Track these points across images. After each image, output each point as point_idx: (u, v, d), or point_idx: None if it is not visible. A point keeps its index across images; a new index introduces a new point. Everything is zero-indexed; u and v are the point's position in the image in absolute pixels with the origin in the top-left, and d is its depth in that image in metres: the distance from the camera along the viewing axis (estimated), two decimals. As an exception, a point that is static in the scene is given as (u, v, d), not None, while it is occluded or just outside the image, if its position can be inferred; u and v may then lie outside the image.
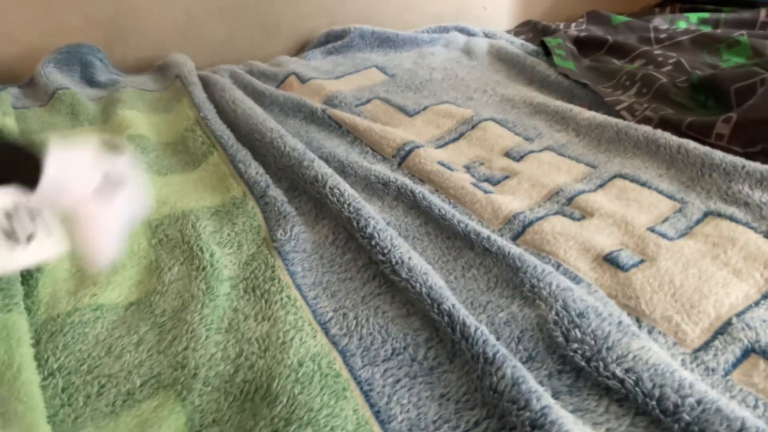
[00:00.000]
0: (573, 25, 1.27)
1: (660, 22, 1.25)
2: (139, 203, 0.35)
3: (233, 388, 0.44)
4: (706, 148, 0.68)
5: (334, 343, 0.47)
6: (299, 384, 0.43)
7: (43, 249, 0.32)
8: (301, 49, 1.23)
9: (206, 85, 0.97)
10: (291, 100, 0.91)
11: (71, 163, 0.34)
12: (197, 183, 0.72)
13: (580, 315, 0.46)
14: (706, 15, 1.27)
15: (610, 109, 0.86)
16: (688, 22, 1.26)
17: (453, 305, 0.47)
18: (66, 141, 0.34)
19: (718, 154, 0.66)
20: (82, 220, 0.34)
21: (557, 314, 0.47)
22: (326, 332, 0.49)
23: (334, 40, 1.20)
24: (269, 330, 0.48)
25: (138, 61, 1.10)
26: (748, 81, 0.79)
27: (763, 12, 1.22)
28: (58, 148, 0.33)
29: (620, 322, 0.46)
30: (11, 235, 0.29)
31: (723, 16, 1.25)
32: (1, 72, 0.99)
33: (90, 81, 1.01)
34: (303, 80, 1.01)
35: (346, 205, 0.61)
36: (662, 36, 1.15)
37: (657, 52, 1.05)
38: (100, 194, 0.33)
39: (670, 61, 1.01)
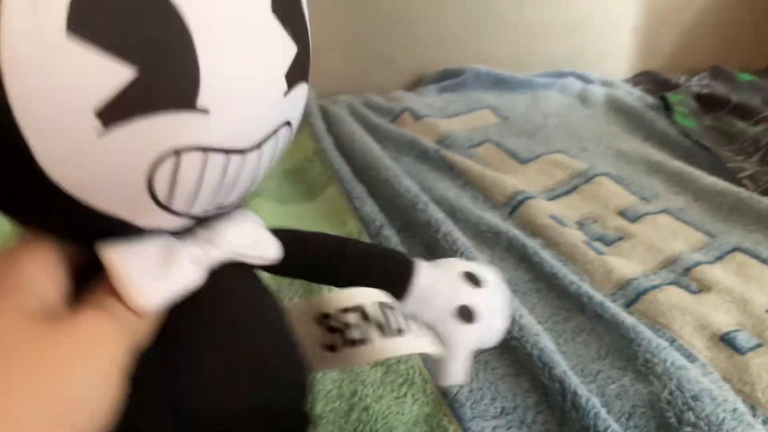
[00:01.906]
0: (695, 79, 1.24)
1: (788, 82, 1.21)
2: (493, 335, 0.36)
3: (348, 425, 0.46)
4: (837, 230, 0.66)
5: (445, 394, 0.49)
6: (409, 433, 0.44)
7: (419, 342, 0.33)
8: (415, 84, 1.26)
9: (325, 115, 1.01)
10: (405, 137, 0.94)
11: (439, 279, 0.35)
12: (315, 214, 0.75)
13: (695, 397, 0.46)
14: (839, 77, 1.22)
15: (730, 175, 0.84)
16: (819, 84, 1.21)
17: (564, 372, 0.48)
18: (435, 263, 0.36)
19: None
20: (441, 337, 0.35)
21: (671, 394, 0.47)
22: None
23: (449, 78, 1.22)
24: (383, 377, 0.50)
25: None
26: None
27: None
28: (425, 262, 0.36)
29: (735, 409, 0.45)
30: (384, 327, 0.31)
31: None
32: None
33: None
34: (417, 117, 1.04)
35: (458, 255, 0.62)
36: (790, 98, 1.11)
37: (784, 115, 1.01)
38: (458, 318, 0.35)
39: (798, 126, 0.97)
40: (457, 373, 0.35)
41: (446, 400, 0.48)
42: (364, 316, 0.32)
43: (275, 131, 0.24)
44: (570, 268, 0.65)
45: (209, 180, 0.22)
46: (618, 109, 1.08)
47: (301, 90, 0.25)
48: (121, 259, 0.23)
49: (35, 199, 0.21)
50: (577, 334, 0.56)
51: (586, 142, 0.95)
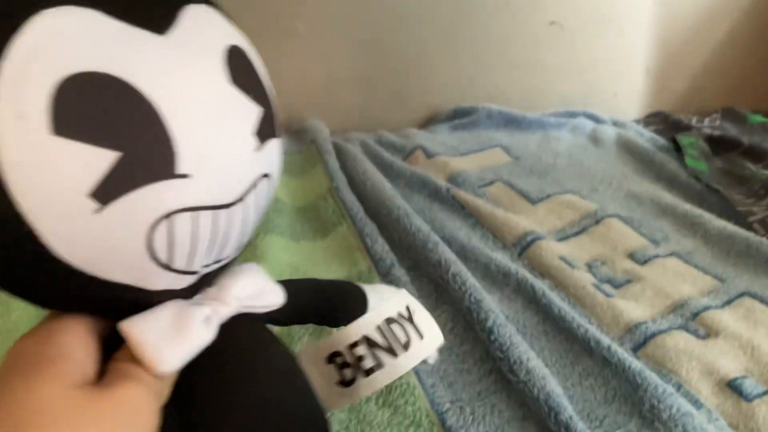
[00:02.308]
0: (706, 120, 1.25)
1: (800, 124, 1.21)
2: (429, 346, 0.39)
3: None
4: None
5: (449, 437, 0.49)
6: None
7: (422, 348, 0.36)
8: (428, 122, 1.27)
9: (339, 152, 1.02)
10: (416, 175, 0.95)
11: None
12: (326, 252, 0.76)
13: (701, 446, 0.46)
14: None
15: (741, 219, 0.84)
16: (831, 126, 1.21)
17: (570, 417, 0.48)
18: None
19: None
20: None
21: (676, 441, 0.47)
22: (443, 423, 0.51)
23: (461, 117, 1.24)
24: (390, 418, 0.50)
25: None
26: None
27: None
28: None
29: (743, 460, 0.45)
30: (393, 347, 0.35)
31: None
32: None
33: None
34: (429, 155, 1.05)
35: (467, 295, 0.63)
36: (801, 140, 1.11)
37: (795, 158, 1.02)
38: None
39: (809, 169, 0.98)
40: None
41: (452, 443, 0.49)
42: (371, 344, 0.35)
43: (254, 184, 0.27)
44: (578, 311, 0.65)
45: (203, 235, 0.25)
46: (629, 150, 1.09)
47: (273, 144, 0.28)
48: (137, 328, 0.25)
49: (52, 282, 0.23)
50: (584, 378, 0.56)
51: (596, 183, 0.96)
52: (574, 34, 1.29)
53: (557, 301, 0.64)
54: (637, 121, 1.27)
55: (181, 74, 0.24)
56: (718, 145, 1.09)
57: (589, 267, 0.74)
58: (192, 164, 0.23)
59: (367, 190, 0.88)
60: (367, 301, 0.39)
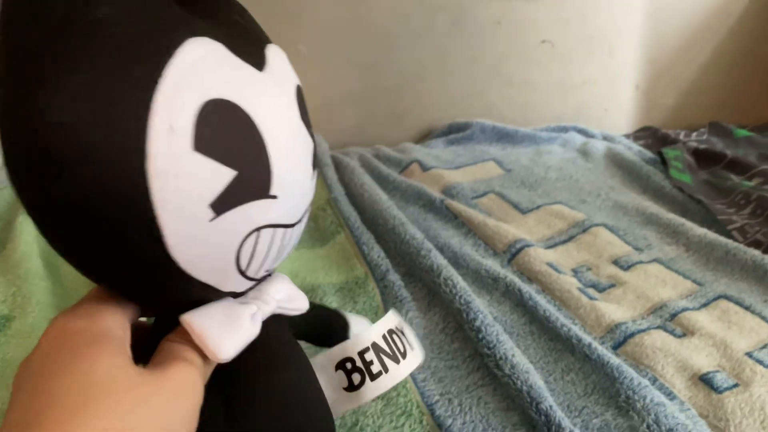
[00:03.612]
0: (694, 134, 1.29)
1: (784, 138, 1.25)
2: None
3: (349, 454, 0.50)
4: (816, 280, 0.69)
5: (439, 425, 0.53)
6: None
7: (416, 356, 0.42)
8: (424, 137, 1.32)
9: (337, 165, 1.06)
10: (412, 188, 0.99)
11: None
12: (325, 259, 0.80)
13: (670, 431, 0.49)
14: (833, 135, 1.26)
15: (721, 227, 0.88)
16: (814, 140, 1.25)
17: (550, 406, 0.52)
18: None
19: (828, 287, 0.68)
20: None
21: (648, 427, 0.50)
22: (432, 413, 0.54)
23: (456, 132, 1.28)
24: (383, 409, 0.54)
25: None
26: None
27: None
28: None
29: (709, 444, 0.49)
30: (396, 354, 0.40)
31: None
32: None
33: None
34: (424, 168, 1.10)
35: (457, 297, 0.67)
36: (784, 154, 1.15)
37: (777, 170, 1.06)
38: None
39: (791, 181, 1.01)
40: None
41: (441, 430, 0.52)
42: (378, 351, 0.40)
43: (307, 209, 0.32)
44: (563, 313, 0.69)
45: (273, 250, 0.30)
46: (617, 163, 1.13)
47: (315, 175, 0.33)
48: (198, 321, 0.29)
49: (155, 277, 0.27)
50: (566, 373, 0.60)
51: (585, 195, 1.00)
52: (566, 53, 1.33)
53: (543, 303, 0.68)
54: (627, 136, 1.31)
55: (277, 108, 0.28)
56: (704, 158, 1.13)
57: (575, 272, 0.78)
58: (279, 188, 0.28)
59: (365, 201, 0.92)
60: (349, 327, 0.45)
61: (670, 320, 0.67)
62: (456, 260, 0.78)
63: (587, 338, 0.62)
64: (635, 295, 0.72)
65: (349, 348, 0.40)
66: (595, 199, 0.99)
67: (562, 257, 0.82)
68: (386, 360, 0.40)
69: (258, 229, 0.28)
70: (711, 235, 0.82)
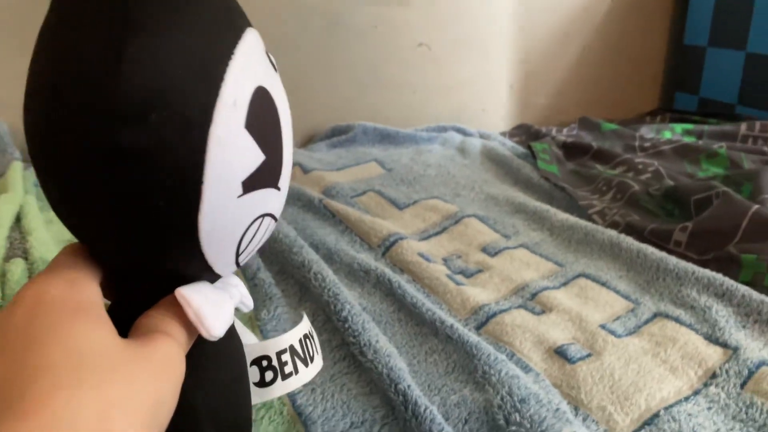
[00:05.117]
0: (565, 130, 1.35)
1: (646, 131, 1.33)
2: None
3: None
4: (663, 254, 0.74)
5: (299, 413, 0.52)
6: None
7: (318, 362, 0.43)
8: (307, 142, 1.32)
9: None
10: (292, 189, 0.99)
11: None
12: (196, 262, 0.78)
13: (522, 401, 0.51)
14: (690, 126, 1.35)
15: (583, 212, 0.92)
16: (673, 132, 1.34)
17: (408, 386, 0.53)
18: None
19: (672, 260, 0.72)
20: None
21: (502, 399, 0.52)
22: (293, 403, 0.54)
23: (338, 135, 1.29)
24: (241, 399, 0.53)
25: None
26: (705, 193, 0.86)
27: (743, 125, 1.30)
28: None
29: (557, 409, 0.51)
30: (306, 359, 0.41)
31: (707, 128, 1.33)
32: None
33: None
34: (305, 171, 1.10)
35: (326, 290, 0.67)
36: (646, 144, 1.23)
37: (638, 160, 1.12)
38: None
39: (650, 169, 1.08)
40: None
41: (301, 419, 0.52)
42: (293, 353, 0.41)
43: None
44: (431, 299, 0.71)
45: (262, 239, 0.32)
46: (492, 158, 1.17)
47: None
48: (195, 296, 0.29)
49: (168, 240, 0.27)
50: (429, 354, 0.61)
51: (460, 189, 1.03)
52: (442, 56, 1.37)
53: (411, 291, 0.69)
54: (503, 134, 1.36)
55: (285, 104, 0.30)
56: (572, 150, 1.19)
57: (445, 261, 0.80)
58: (283, 180, 0.30)
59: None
60: None
61: (531, 299, 0.70)
62: (330, 256, 0.78)
63: (450, 320, 0.63)
64: (500, 278, 0.74)
65: (270, 347, 0.40)
66: (469, 192, 1.01)
67: (435, 247, 0.83)
68: (298, 362, 0.41)
69: (262, 216, 0.29)
70: (572, 219, 0.86)
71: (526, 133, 1.34)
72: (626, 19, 1.52)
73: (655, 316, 0.66)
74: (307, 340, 0.42)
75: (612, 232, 0.81)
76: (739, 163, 1.10)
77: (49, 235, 0.78)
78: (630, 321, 0.65)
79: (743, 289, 0.67)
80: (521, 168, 1.09)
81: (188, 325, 0.29)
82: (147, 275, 0.30)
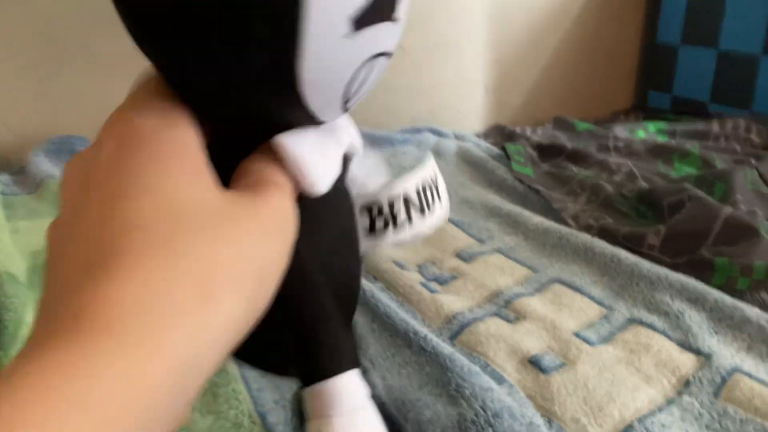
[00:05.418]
0: (539, 130, 1.35)
1: (620, 130, 1.33)
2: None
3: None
4: (637, 258, 0.74)
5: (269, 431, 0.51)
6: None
7: (440, 215, 0.39)
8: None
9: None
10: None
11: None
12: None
13: (495, 415, 0.51)
14: (663, 125, 1.36)
15: (557, 215, 0.92)
16: (647, 131, 1.34)
17: (382, 404, 0.52)
18: None
19: (646, 265, 0.72)
20: None
21: (476, 414, 0.51)
22: (263, 420, 0.53)
23: (313, 137, 1.27)
24: (212, 423, 0.52)
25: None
26: (678, 196, 0.86)
27: (715, 124, 1.31)
28: None
29: (531, 423, 0.50)
30: (423, 208, 0.37)
31: (680, 127, 1.34)
32: (-6, 159, 1.06)
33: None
34: (279, 175, 1.08)
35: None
36: (620, 144, 1.23)
37: (612, 160, 1.12)
38: None
39: (624, 169, 1.08)
40: None
41: (271, 438, 0.51)
42: (407, 201, 0.38)
43: None
44: (405, 308, 0.70)
45: (375, 81, 0.28)
46: (466, 160, 1.16)
47: None
48: (295, 146, 0.26)
49: (267, 89, 0.24)
50: (403, 367, 0.60)
51: (435, 192, 1.02)
52: (418, 58, 1.36)
53: (385, 300, 0.68)
54: (478, 135, 1.36)
55: None
56: (547, 151, 1.19)
57: (420, 268, 0.79)
58: (402, 10, 0.26)
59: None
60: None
61: (505, 307, 0.69)
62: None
63: (424, 330, 0.62)
64: (475, 285, 0.74)
65: (381, 195, 0.37)
66: (444, 196, 1.01)
67: (409, 254, 0.83)
68: (413, 212, 0.38)
69: (376, 56, 0.26)
70: (547, 222, 0.86)
71: (501, 134, 1.34)
72: (600, 17, 1.52)
73: (630, 322, 0.66)
74: (426, 187, 0.39)
75: (586, 236, 0.81)
76: (712, 162, 1.11)
77: (15, 247, 0.76)
78: (604, 328, 0.65)
79: (716, 293, 0.67)
80: (496, 170, 1.08)
81: (293, 177, 0.26)
82: (246, 123, 0.27)
